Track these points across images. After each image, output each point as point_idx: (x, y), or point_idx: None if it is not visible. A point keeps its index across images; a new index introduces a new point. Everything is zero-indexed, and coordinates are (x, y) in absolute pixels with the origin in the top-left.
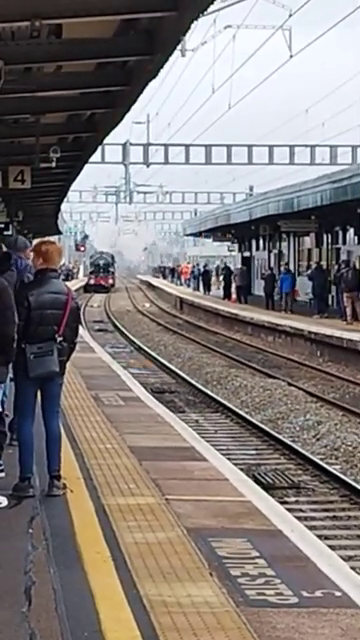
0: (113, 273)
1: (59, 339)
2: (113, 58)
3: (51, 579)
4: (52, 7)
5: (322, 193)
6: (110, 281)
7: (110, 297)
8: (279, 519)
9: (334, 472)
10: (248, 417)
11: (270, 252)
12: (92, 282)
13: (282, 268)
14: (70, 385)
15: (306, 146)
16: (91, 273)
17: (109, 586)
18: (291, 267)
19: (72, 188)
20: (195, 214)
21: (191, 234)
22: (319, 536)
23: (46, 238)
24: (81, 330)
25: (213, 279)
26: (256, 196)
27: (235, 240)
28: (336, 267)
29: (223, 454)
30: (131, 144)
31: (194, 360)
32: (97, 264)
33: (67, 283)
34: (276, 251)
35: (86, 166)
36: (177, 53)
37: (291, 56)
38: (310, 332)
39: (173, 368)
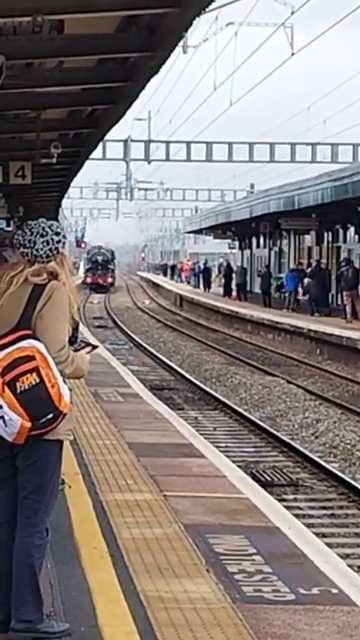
0: (113, 271)
1: None
2: (115, 54)
3: (48, 574)
4: (54, 2)
5: (323, 191)
6: (109, 279)
7: (110, 294)
8: (277, 516)
9: (332, 470)
10: (247, 414)
11: (271, 250)
12: (89, 280)
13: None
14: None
15: (307, 144)
16: (88, 270)
17: (106, 581)
18: (291, 265)
19: (73, 184)
20: (196, 211)
21: (192, 231)
22: (317, 534)
23: None
24: (81, 326)
25: (213, 276)
26: (257, 194)
27: (235, 238)
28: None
29: (221, 451)
30: (132, 141)
31: (193, 357)
32: (95, 260)
33: None
34: (277, 249)
35: (87, 162)
36: (179, 50)
37: (293, 54)
38: (310, 330)
39: (172, 365)
